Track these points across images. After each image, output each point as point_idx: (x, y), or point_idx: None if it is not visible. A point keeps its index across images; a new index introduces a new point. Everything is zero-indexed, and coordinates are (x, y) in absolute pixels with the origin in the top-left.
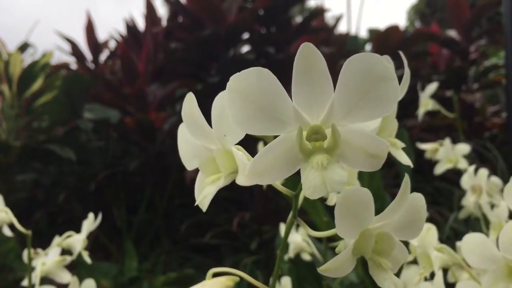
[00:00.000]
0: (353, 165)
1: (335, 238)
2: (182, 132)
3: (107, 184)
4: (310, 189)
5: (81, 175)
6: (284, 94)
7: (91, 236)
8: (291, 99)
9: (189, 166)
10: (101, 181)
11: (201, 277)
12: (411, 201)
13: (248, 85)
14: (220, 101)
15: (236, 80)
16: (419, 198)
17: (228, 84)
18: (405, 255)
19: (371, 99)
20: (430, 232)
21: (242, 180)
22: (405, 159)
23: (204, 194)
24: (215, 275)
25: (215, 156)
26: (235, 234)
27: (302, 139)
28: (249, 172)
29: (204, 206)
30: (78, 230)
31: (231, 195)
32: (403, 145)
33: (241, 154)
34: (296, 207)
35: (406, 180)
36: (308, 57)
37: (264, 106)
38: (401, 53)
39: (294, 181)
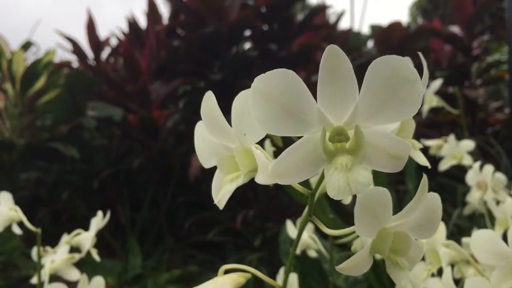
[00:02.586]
0: (375, 166)
1: (340, 236)
2: (200, 130)
3: (110, 182)
4: (334, 190)
5: (85, 173)
6: (308, 95)
7: (95, 234)
8: (315, 100)
9: (206, 164)
10: (104, 179)
11: (204, 274)
12: (427, 201)
13: (272, 86)
14: (241, 100)
15: (260, 81)
16: (435, 198)
17: (253, 85)
18: (420, 254)
19: (396, 101)
20: (438, 229)
21: (262, 179)
22: (422, 160)
23: (223, 192)
24: (226, 272)
25: (235, 154)
26: (239, 231)
27: (325, 140)
28: (271, 172)
29: (221, 204)
30: (82, 228)
31: (234, 193)
32: (420, 145)
33: (260, 153)
34: (312, 206)
35: (424, 181)
36: (333, 59)
37: (288, 107)
38: (420, 54)
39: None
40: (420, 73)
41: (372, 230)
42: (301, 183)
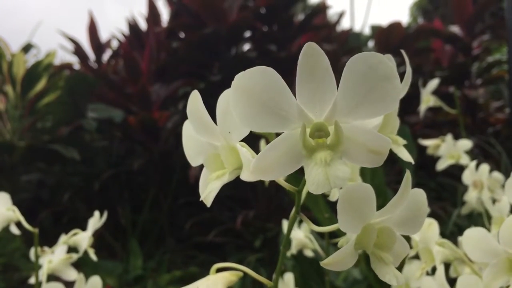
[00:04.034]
0: (355, 161)
1: (337, 234)
2: (187, 129)
3: (111, 183)
4: (313, 185)
5: (85, 174)
6: (288, 92)
7: (96, 235)
8: (295, 97)
9: (194, 162)
10: (105, 181)
11: (205, 275)
12: (412, 197)
13: (252, 84)
14: (224, 99)
15: (241, 79)
16: (420, 194)
17: (233, 82)
18: (406, 250)
19: (374, 97)
20: (431, 227)
21: (247, 176)
22: (406, 156)
23: (209, 190)
24: (219, 270)
25: (220, 152)
26: (239, 232)
27: (306, 136)
28: (253, 168)
29: (208, 202)
30: (83, 229)
31: (234, 194)
32: (404, 142)
33: (245, 150)
34: (299, 203)
35: (408, 176)
36: (311, 56)
37: (268, 104)
38: (403, 51)
39: (295, 177)
40: (419, 73)
41: (356, 225)
42: (293, 182)
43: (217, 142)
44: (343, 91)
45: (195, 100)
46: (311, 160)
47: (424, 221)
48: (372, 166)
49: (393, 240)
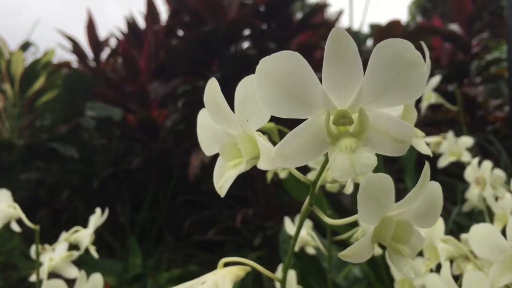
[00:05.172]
0: (378, 150)
1: (339, 233)
2: (202, 118)
3: (110, 182)
4: (338, 171)
5: (84, 173)
6: (313, 78)
7: (95, 234)
8: (320, 83)
9: (208, 151)
10: (104, 179)
11: (205, 273)
12: (429, 190)
13: (278, 68)
14: (243, 87)
15: (266, 63)
16: (436, 187)
17: (258, 66)
18: (422, 243)
19: (400, 84)
20: (436, 224)
21: (264, 164)
22: (424, 148)
23: (225, 178)
24: (226, 265)
25: (237, 141)
26: (239, 231)
27: (329, 124)
28: (276, 155)
29: (223, 191)
30: (81, 228)
31: (234, 192)
32: (423, 134)
33: (262, 139)
34: (313, 195)
35: (427, 168)
36: (339, 40)
37: (293, 89)
38: (423, 43)
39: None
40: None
41: (375, 216)
42: (294, 180)
43: (234, 131)
44: (369, 77)
45: (212, 87)
46: (335, 147)
47: (439, 214)
48: (395, 155)
49: (411, 233)
